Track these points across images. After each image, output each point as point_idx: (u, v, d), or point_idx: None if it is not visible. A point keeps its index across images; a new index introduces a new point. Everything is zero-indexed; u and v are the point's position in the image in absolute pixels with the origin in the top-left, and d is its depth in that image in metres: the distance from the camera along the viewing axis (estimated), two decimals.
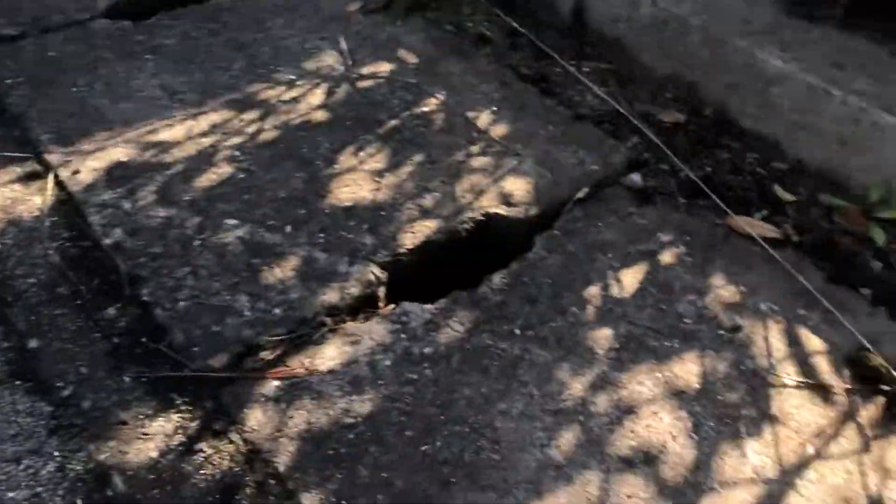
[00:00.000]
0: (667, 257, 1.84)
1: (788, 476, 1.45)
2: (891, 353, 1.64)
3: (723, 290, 1.77)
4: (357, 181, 2.00)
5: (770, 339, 1.67)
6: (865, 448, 1.50)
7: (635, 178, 2.04)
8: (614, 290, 1.77)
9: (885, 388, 1.58)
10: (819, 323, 1.71)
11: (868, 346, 1.65)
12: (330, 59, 2.44)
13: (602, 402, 1.55)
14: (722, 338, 1.67)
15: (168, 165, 2.00)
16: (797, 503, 1.41)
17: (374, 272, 1.76)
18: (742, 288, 1.78)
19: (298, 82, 2.34)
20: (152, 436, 1.46)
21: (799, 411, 1.55)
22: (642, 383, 1.58)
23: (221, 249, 1.79)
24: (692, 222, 1.94)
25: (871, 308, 1.75)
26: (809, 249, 1.87)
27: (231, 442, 1.46)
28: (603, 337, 1.67)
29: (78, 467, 1.41)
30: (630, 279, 1.79)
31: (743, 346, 1.66)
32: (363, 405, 1.52)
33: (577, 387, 1.57)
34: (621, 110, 2.24)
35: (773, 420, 1.53)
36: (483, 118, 2.23)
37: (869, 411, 1.56)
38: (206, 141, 2.09)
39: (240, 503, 1.37)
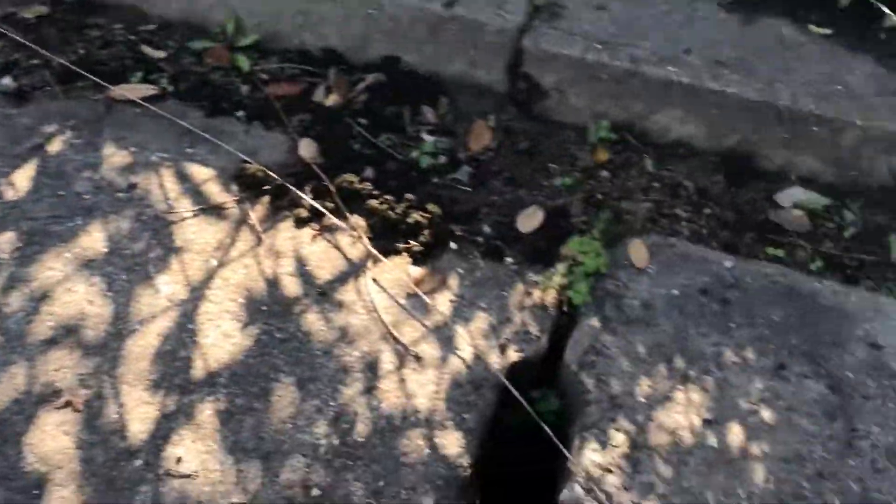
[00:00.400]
0: (55, 146, 1.88)
1: (198, 291, 1.65)
2: (267, 158, 1.89)
3: (114, 157, 1.87)
4: None
5: (165, 184, 1.83)
6: (258, 242, 1.75)
7: (6, 81, 2.01)
8: (9, 195, 1.78)
9: (267, 187, 1.84)
10: (206, 155, 1.90)
11: (248, 159, 1.88)
12: None
13: (15, 301, 1.59)
14: (121, 199, 1.79)
15: None
16: (210, 309, 1.62)
17: None
18: (132, 149, 1.89)
19: None
20: None
21: (200, 235, 1.74)
22: (53, 268, 1.65)
23: None
24: (74, 106, 1.98)
25: (247, 127, 1.98)
26: (187, 95, 2.03)
27: None
28: (5, 241, 1.69)
29: None
30: (23, 179, 1.81)
31: (141, 199, 1.79)
32: None
33: None
34: None
35: (178, 251, 1.71)
36: None
37: (257, 212, 1.80)
38: None
39: None
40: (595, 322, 1.65)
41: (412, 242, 1.77)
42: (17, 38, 2.11)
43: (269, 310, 1.63)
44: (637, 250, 1.78)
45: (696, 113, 1.91)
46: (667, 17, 2.00)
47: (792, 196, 1.89)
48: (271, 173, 1.84)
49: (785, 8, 2.02)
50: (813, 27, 1.98)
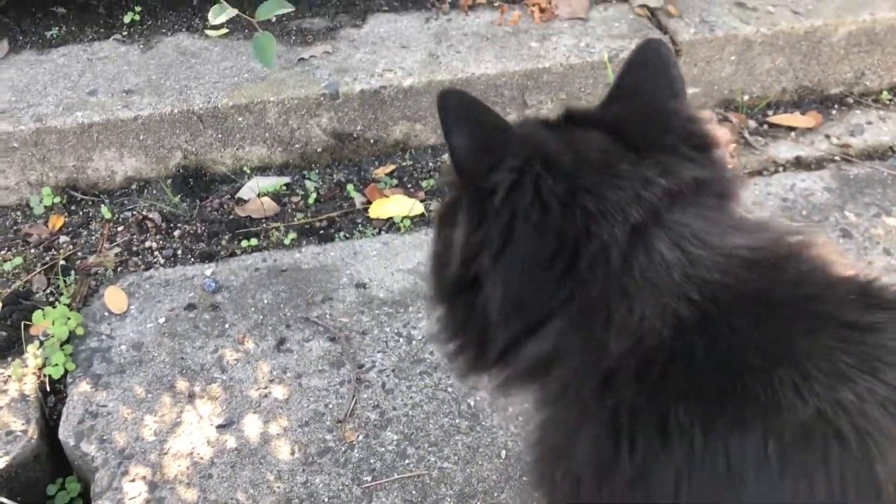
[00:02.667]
0: None
1: None
2: None
3: None
4: None
5: None
6: None
7: None
8: None
9: None
10: None
11: None
12: None
13: None
14: None
15: None
16: None
17: None
18: None
19: None
20: None
21: None
22: None
23: None
24: None
25: None
26: None
27: None
28: None
29: None
30: None
31: None
32: None
33: None
34: None
35: None
36: None
37: None
38: None
39: None
40: (85, 386, 1.52)
41: None
42: None
43: None
44: (113, 298, 1.68)
45: (128, 146, 1.86)
46: (65, 69, 1.94)
47: (253, 188, 1.92)
48: None
49: (179, 22, 2.06)
50: (210, 32, 2.04)
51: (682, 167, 0.85)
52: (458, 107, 0.85)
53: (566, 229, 0.81)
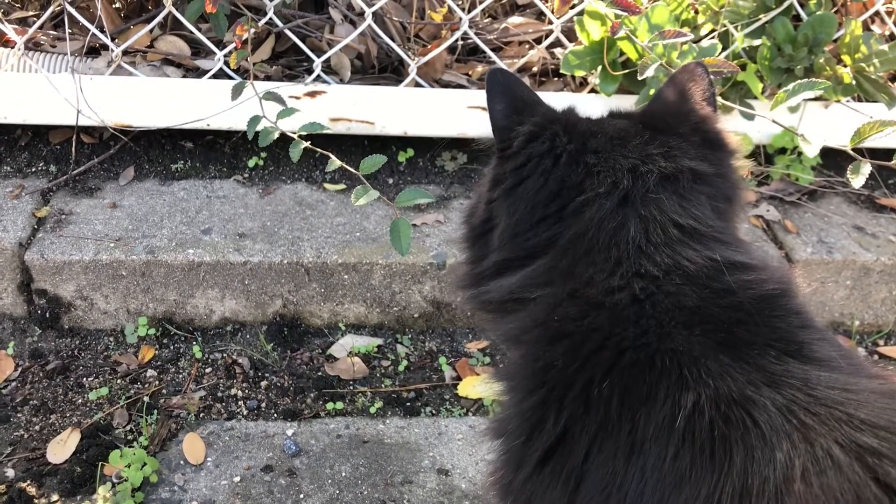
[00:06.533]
0: None
1: None
2: None
3: None
4: None
5: None
6: None
7: None
8: None
9: None
10: None
11: None
12: None
13: None
14: None
15: None
16: None
17: None
18: None
19: None
20: None
21: None
22: None
23: None
24: None
25: None
26: None
27: None
28: None
29: None
30: None
31: None
32: None
33: None
34: None
35: None
36: None
37: None
38: None
39: None
40: None
41: None
42: None
43: None
44: (191, 446, 1.63)
45: (231, 288, 1.86)
46: (184, 203, 1.98)
47: (345, 346, 1.89)
48: None
49: (300, 172, 2.11)
50: (328, 185, 2.07)
51: (685, 155, 0.95)
52: (501, 81, 1.01)
53: (568, 177, 0.93)
